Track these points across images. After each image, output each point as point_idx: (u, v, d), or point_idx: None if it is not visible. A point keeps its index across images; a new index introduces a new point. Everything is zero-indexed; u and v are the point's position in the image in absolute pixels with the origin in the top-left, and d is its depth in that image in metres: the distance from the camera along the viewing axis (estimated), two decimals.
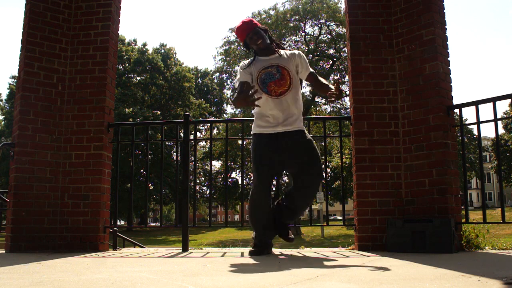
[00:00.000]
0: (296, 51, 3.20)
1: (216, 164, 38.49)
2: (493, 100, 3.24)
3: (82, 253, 3.40)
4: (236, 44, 31.42)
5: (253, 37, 3.13)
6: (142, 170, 30.98)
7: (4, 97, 37.58)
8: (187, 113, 4.23)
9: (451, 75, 3.55)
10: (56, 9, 3.89)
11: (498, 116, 3.27)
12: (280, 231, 3.23)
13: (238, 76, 3.17)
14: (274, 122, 3.06)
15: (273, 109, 3.06)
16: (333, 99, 2.84)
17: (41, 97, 3.75)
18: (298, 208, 3.17)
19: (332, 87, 2.90)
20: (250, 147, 3.19)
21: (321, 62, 30.31)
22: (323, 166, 3.18)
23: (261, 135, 3.10)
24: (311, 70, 3.17)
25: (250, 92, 2.84)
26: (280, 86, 3.06)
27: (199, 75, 42.66)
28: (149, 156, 29.04)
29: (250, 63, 3.17)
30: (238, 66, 3.31)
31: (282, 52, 3.16)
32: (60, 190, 3.72)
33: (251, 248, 3.28)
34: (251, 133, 3.20)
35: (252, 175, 3.19)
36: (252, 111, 3.21)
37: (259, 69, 3.10)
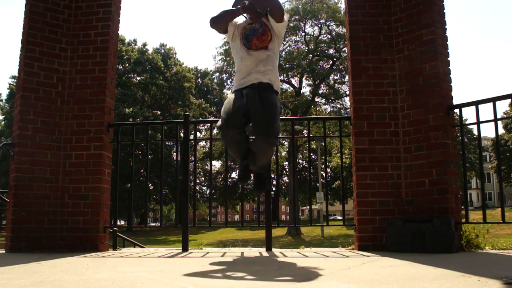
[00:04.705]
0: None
1: (216, 164, 38.53)
2: (493, 100, 3.24)
3: (82, 253, 3.40)
4: None
5: (254, 7, 3.06)
6: (142, 170, 30.96)
7: (4, 97, 37.62)
8: (187, 113, 4.23)
9: (451, 75, 3.55)
10: (56, 9, 3.89)
11: (498, 116, 3.27)
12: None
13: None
14: (246, 72, 3.10)
15: (249, 62, 3.10)
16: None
17: (41, 97, 3.75)
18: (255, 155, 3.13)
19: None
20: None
21: (321, 62, 30.30)
22: (278, 128, 3.09)
23: (236, 91, 3.13)
24: None
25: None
26: (262, 41, 3.13)
27: (199, 75, 42.64)
28: (149, 156, 29.02)
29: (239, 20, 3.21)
30: None
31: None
32: (60, 190, 3.72)
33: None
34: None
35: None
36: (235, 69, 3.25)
37: (245, 25, 3.18)
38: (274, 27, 3.17)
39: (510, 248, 3.40)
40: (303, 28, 30.21)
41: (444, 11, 3.60)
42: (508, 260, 2.69)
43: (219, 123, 3.04)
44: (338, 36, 29.07)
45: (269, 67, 3.12)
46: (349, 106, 4.02)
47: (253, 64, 3.10)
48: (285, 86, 30.62)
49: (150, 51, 36.89)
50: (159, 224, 6.35)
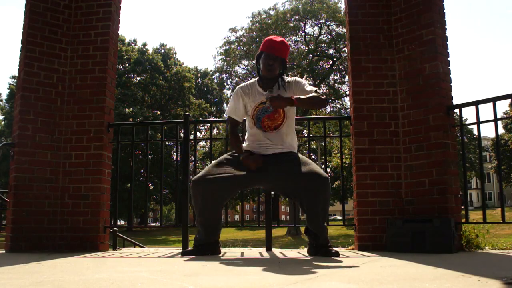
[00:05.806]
0: (292, 79, 3.06)
1: None
2: (493, 100, 3.24)
3: (82, 253, 3.40)
4: (236, 44, 31.43)
5: (268, 61, 2.96)
6: (142, 170, 30.96)
7: (4, 97, 37.63)
8: (187, 113, 4.23)
9: (451, 75, 3.55)
10: (56, 9, 3.89)
11: (498, 116, 3.27)
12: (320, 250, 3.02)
13: (231, 101, 3.14)
14: (265, 146, 3.02)
15: (265, 140, 3.01)
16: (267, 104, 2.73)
17: (41, 97, 3.75)
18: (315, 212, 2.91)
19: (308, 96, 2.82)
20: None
21: (321, 62, 30.32)
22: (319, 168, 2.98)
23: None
24: (313, 90, 2.93)
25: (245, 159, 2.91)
26: (274, 120, 3.00)
27: (199, 75, 42.64)
28: (149, 156, 29.03)
29: (248, 91, 3.09)
30: (238, 86, 3.17)
31: (281, 83, 3.05)
32: (60, 190, 3.72)
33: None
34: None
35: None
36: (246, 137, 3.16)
37: (256, 104, 3.04)
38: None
39: (510, 248, 3.40)
40: (303, 28, 30.23)
41: (444, 11, 3.60)
42: (508, 260, 2.69)
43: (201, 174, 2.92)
44: (338, 36, 29.08)
45: (287, 140, 3.02)
46: (349, 106, 4.02)
47: (269, 144, 3.00)
48: None
49: (150, 51, 36.89)
50: (159, 224, 6.35)
